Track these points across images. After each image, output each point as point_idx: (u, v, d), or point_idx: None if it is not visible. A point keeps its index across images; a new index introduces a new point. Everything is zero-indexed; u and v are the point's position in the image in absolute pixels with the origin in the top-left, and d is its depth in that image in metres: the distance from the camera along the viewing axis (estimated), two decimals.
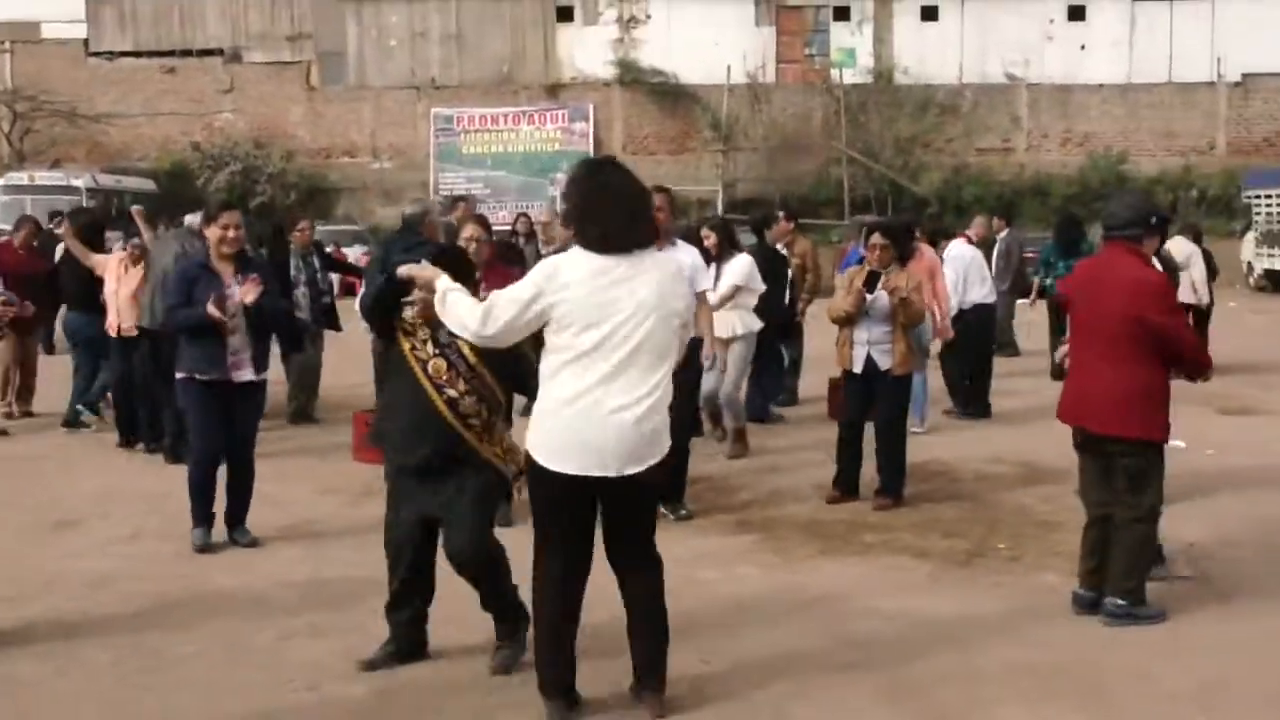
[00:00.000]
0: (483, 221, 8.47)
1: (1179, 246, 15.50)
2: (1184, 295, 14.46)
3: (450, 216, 10.40)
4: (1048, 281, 14.05)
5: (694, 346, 8.22)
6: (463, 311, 4.81)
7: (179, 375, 7.65)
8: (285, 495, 8.90)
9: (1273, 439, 10.91)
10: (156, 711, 5.10)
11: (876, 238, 8.77)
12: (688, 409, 8.59)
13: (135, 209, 12.15)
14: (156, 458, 10.21)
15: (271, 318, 7.80)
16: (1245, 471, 9.62)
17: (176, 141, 39.29)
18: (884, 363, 8.54)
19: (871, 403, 8.66)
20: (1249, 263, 29.25)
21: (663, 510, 8.15)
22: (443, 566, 5.48)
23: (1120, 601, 6.10)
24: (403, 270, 5.12)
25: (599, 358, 4.66)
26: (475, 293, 5.17)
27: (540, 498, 4.83)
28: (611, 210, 4.77)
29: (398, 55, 40.12)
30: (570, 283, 4.67)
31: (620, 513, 4.90)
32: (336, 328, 12.33)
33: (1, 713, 5.08)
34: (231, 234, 7.57)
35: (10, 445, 11.04)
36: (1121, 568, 6.15)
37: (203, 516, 7.63)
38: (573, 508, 4.79)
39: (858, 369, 8.62)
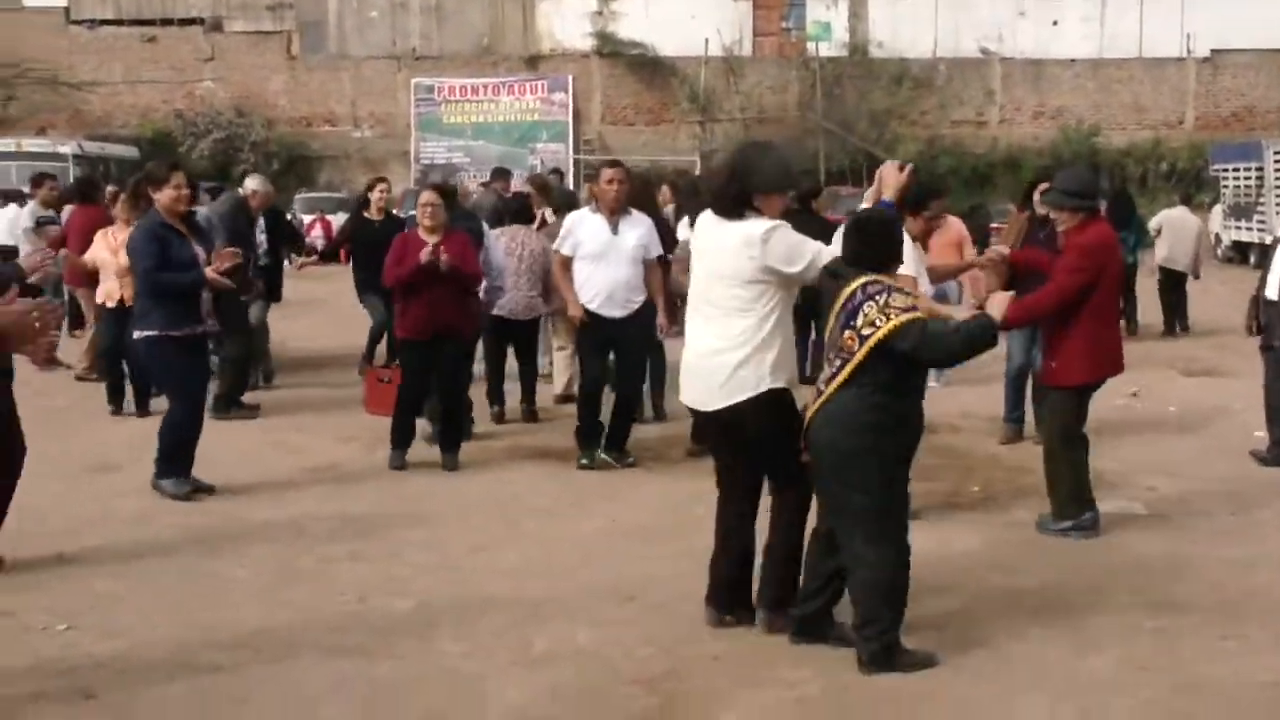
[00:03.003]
0: (439, 189, 9.07)
1: (1181, 215, 17.16)
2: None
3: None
4: None
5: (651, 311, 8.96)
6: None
7: (148, 334, 7.78)
8: (305, 444, 9.51)
9: (1230, 398, 11.58)
10: (226, 618, 5.71)
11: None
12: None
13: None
14: None
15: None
16: (1201, 425, 10.37)
17: (158, 110, 39.58)
18: None
19: None
20: (1216, 235, 29.97)
21: (606, 456, 8.84)
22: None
23: None
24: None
25: None
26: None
27: None
28: None
29: (378, 25, 40.49)
30: None
31: None
32: (275, 298, 12.23)
33: (90, 621, 5.69)
34: (184, 191, 7.92)
35: (42, 399, 11.41)
36: None
37: (189, 468, 7.95)
38: None
39: None
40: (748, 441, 5.44)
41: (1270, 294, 9.09)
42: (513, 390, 10.55)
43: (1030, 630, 5.64)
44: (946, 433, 10.00)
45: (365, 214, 12.08)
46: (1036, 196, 9.55)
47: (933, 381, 11.86)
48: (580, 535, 7.15)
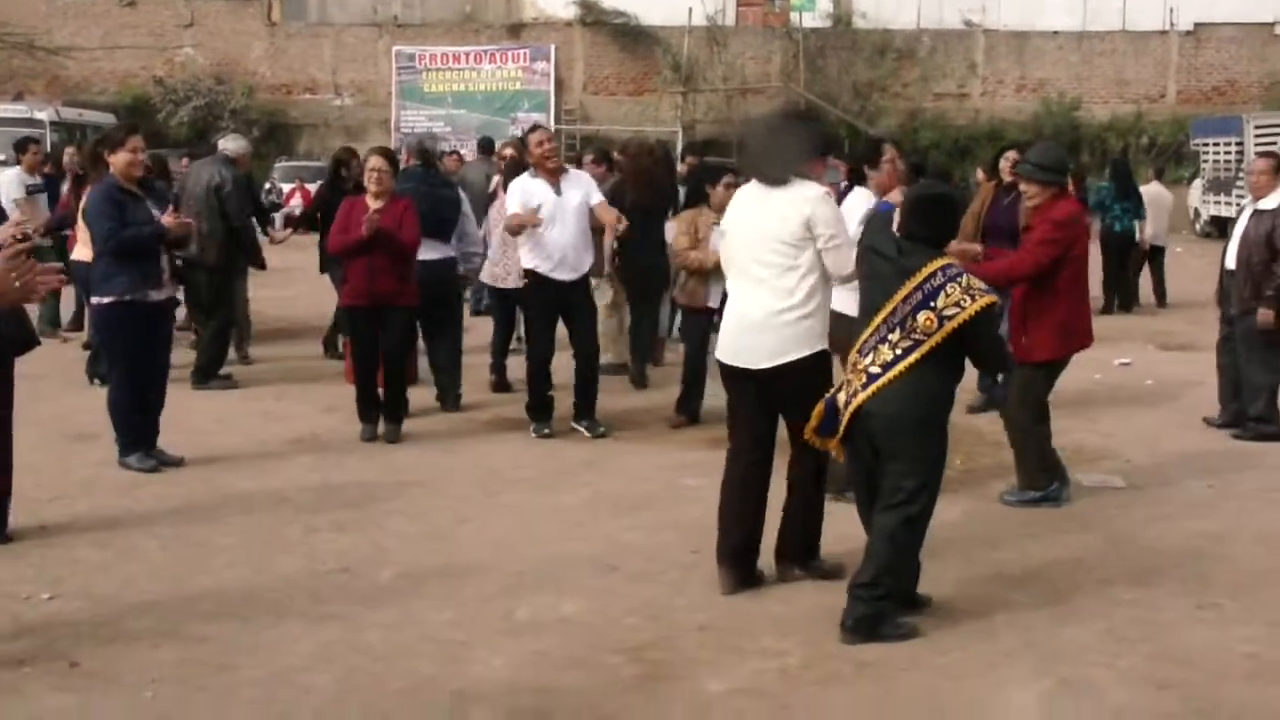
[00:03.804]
0: (386, 154, 9.00)
1: (1158, 191, 17.38)
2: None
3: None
4: (1118, 226, 15.73)
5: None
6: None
7: (107, 300, 7.72)
8: (288, 412, 9.51)
9: (1206, 372, 11.62)
10: (210, 587, 5.74)
11: (729, 177, 8.83)
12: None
13: None
14: None
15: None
16: (1177, 399, 10.45)
17: (136, 76, 39.21)
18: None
19: None
20: (1195, 209, 30.06)
21: (578, 427, 8.91)
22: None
23: None
24: None
25: None
26: None
27: None
28: None
29: None
30: None
31: None
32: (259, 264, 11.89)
33: (74, 589, 5.71)
34: (141, 156, 7.85)
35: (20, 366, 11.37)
36: None
37: (139, 439, 7.85)
38: None
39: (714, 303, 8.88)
40: (789, 397, 5.56)
41: (1229, 263, 9.18)
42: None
43: (1011, 601, 5.70)
44: None
45: (341, 187, 11.85)
46: (1003, 164, 9.58)
47: None
48: (563, 506, 7.18)
